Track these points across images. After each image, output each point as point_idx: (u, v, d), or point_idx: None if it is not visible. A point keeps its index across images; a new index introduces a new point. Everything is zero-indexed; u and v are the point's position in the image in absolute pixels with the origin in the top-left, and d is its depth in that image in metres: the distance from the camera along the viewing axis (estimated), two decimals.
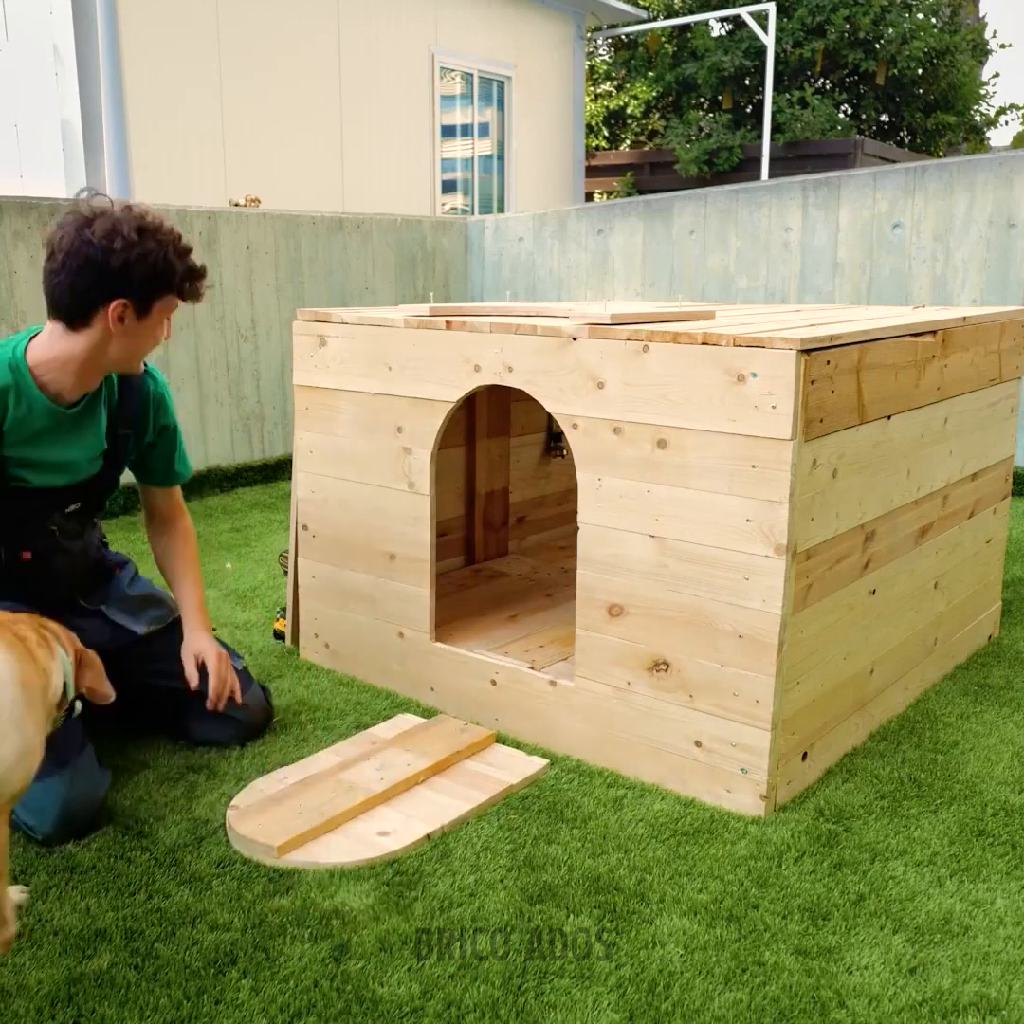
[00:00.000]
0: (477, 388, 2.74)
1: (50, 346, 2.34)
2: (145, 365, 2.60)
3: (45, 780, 2.10)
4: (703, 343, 2.31)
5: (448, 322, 2.76)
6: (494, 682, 2.83)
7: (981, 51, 15.34)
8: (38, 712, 1.87)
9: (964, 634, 3.31)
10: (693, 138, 13.17)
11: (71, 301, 2.27)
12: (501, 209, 11.05)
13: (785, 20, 13.46)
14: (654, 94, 14.72)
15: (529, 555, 4.00)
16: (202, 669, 2.62)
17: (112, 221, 2.23)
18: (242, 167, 8.16)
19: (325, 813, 2.34)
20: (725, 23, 14.77)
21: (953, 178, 5.53)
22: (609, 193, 13.96)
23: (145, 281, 2.25)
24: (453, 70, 10.27)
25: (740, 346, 2.26)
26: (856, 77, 14.40)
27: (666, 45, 14.57)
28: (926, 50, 13.59)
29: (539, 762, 2.62)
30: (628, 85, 14.85)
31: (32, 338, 2.38)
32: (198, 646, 2.64)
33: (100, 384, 2.48)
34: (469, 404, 3.59)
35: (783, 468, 2.23)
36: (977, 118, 15.54)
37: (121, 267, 2.22)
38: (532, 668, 2.81)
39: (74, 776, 2.28)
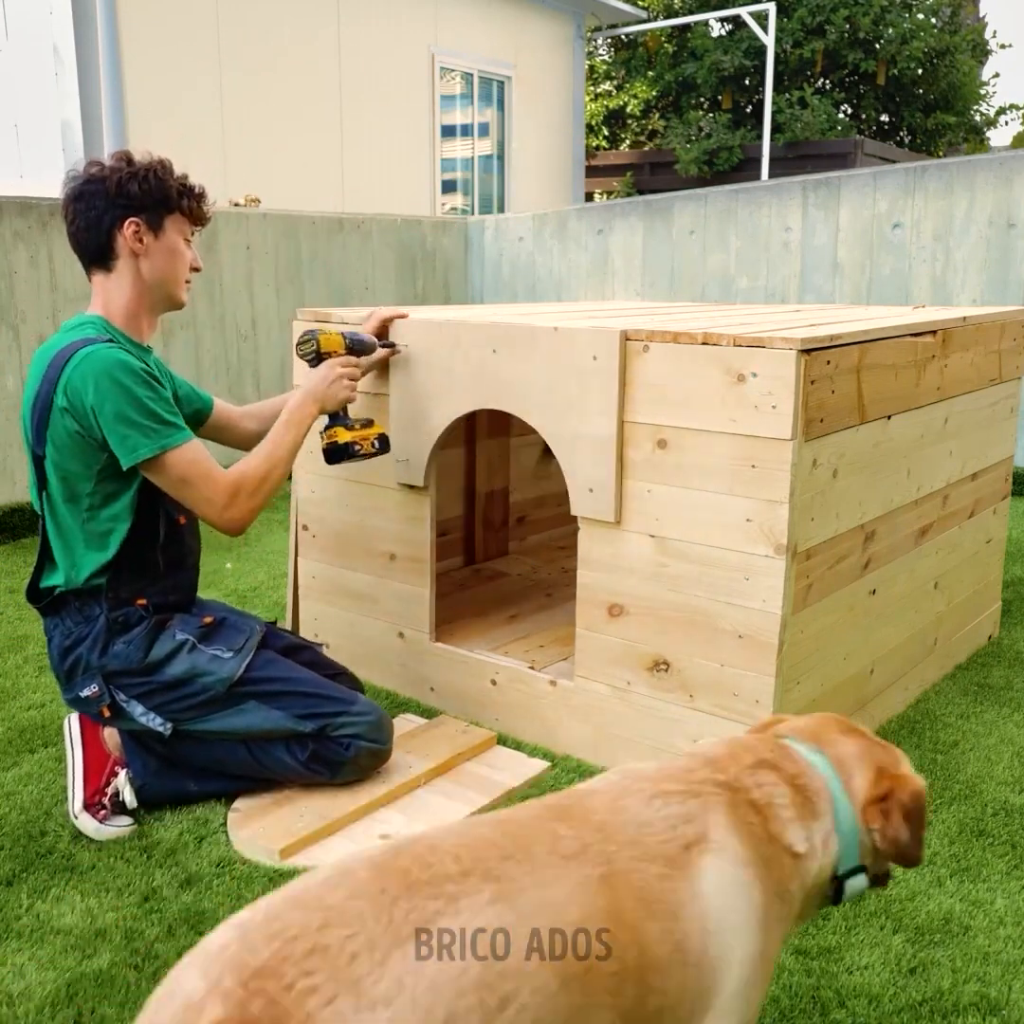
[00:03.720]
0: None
1: (105, 297, 2.41)
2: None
3: (357, 704, 2.45)
4: (703, 343, 2.31)
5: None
6: (494, 682, 2.83)
7: (981, 51, 15.33)
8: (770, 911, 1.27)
9: (964, 634, 3.31)
10: (693, 138, 13.17)
11: (92, 238, 2.37)
12: (501, 209, 11.04)
13: (785, 20, 13.46)
14: (654, 94, 14.72)
15: (529, 555, 4.00)
16: None
17: (99, 161, 2.40)
18: (242, 167, 8.16)
19: (327, 816, 2.34)
20: (725, 23, 14.76)
21: (953, 178, 5.53)
22: (609, 193, 13.96)
23: (143, 196, 2.35)
24: (453, 70, 10.26)
25: (740, 346, 2.26)
26: (856, 77, 14.40)
27: (666, 45, 14.57)
28: (926, 50, 13.58)
29: (540, 764, 2.62)
30: (628, 85, 14.84)
31: (89, 314, 2.42)
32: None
33: None
34: None
35: (783, 468, 2.23)
36: (977, 118, 15.53)
37: (117, 187, 2.33)
38: (532, 668, 2.81)
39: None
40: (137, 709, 2.37)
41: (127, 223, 2.35)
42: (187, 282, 2.48)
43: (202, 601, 2.61)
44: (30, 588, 2.44)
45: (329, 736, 2.40)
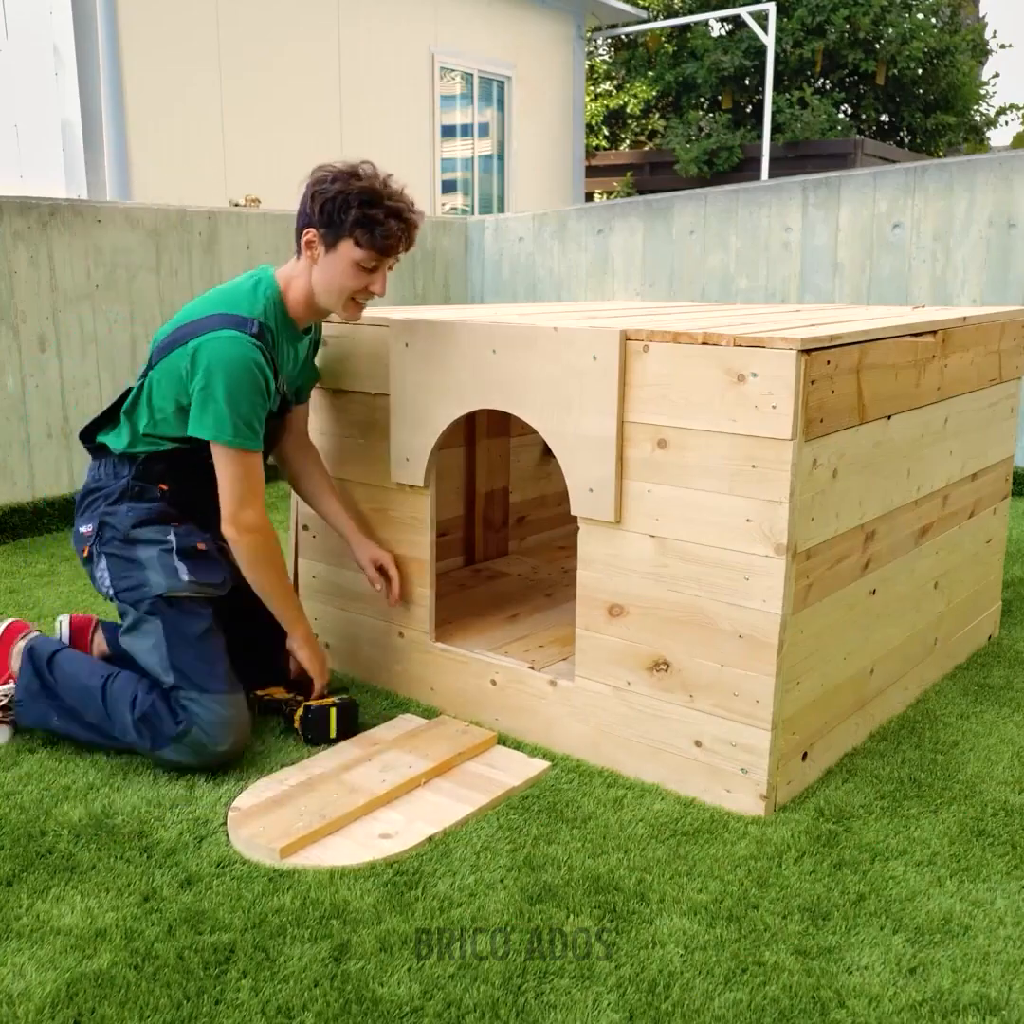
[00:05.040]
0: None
1: (290, 272, 2.65)
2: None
3: (218, 695, 2.50)
4: (703, 343, 2.31)
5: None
6: (494, 682, 2.83)
7: (981, 51, 15.34)
8: None
9: (964, 634, 3.31)
10: (693, 138, 13.18)
11: (295, 226, 2.62)
12: (501, 209, 11.05)
13: (785, 20, 13.47)
14: (654, 94, 14.72)
15: (529, 555, 4.00)
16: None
17: (333, 166, 2.58)
18: (242, 167, 8.16)
19: (327, 815, 2.34)
20: (725, 23, 14.77)
21: (953, 178, 5.53)
22: (609, 193, 13.96)
23: (324, 216, 2.54)
24: (453, 70, 10.27)
25: (740, 346, 2.26)
26: (856, 77, 14.41)
27: (666, 45, 14.57)
28: (926, 50, 13.59)
29: (540, 764, 2.62)
30: (628, 85, 14.85)
31: (274, 275, 2.66)
32: (373, 553, 2.92)
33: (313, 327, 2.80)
34: None
35: (783, 468, 2.23)
36: (977, 118, 15.54)
37: (310, 198, 2.55)
38: (532, 668, 2.81)
39: (239, 699, 2.60)
40: (101, 563, 2.62)
41: (306, 231, 2.57)
42: (358, 302, 2.63)
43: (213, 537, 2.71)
44: (87, 430, 2.72)
45: (175, 697, 2.50)
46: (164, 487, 2.65)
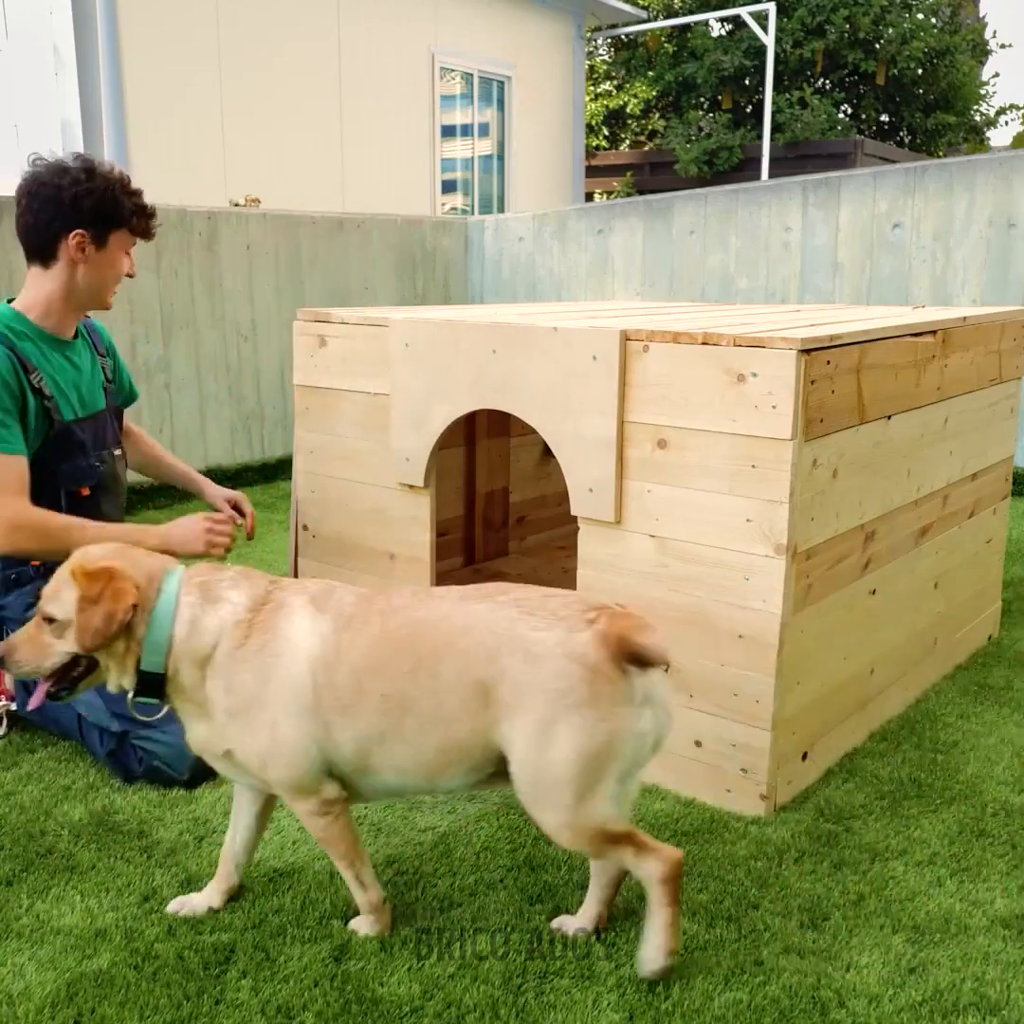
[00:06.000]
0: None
1: (35, 290, 2.59)
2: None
3: (165, 728, 2.41)
4: (703, 343, 2.31)
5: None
6: None
7: (981, 51, 15.35)
8: None
9: (964, 634, 3.31)
10: (693, 138, 13.18)
11: (37, 238, 2.52)
12: (501, 209, 11.05)
13: (785, 20, 13.47)
14: (654, 94, 14.73)
15: (529, 555, 3.99)
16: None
17: (61, 163, 2.50)
18: (242, 167, 8.16)
19: None
20: (725, 23, 14.77)
21: (953, 178, 5.53)
22: (609, 193, 13.96)
23: (96, 214, 2.49)
24: (453, 70, 10.27)
25: (740, 346, 2.26)
26: (856, 77, 14.41)
27: (666, 45, 14.57)
28: (926, 50, 13.59)
29: None
30: (628, 85, 14.85)
31: (11, 301, 2.66)
32: (225, 493, 2.99)
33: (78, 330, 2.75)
34: None
35: (783, 468, 2.23)
36: (977, 118, 15.54)
37: (72, 201, 2.46)
38: None
39: None
40: None
41: (73, 234, 2.49)
42: (116, 287, 2.65)
43: None
44: None
45: (130, 742, 2.51)
46: (36, 563, 2.59)
